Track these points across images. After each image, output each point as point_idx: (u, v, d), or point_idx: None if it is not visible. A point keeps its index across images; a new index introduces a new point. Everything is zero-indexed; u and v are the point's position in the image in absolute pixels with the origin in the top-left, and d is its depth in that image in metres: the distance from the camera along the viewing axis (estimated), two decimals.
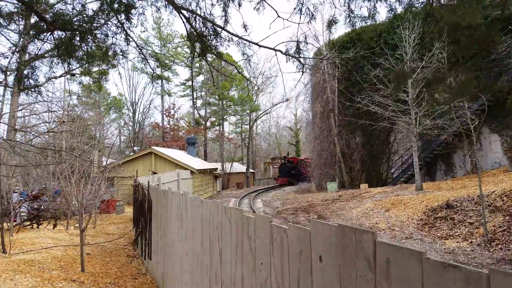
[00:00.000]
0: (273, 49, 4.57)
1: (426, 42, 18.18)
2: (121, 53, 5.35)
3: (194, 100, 52.42)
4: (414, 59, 18.08)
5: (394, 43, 22.25)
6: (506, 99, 18.52)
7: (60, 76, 17.46)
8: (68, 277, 6.89)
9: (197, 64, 45.83)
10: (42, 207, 14.06)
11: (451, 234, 10.21)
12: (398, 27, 19.76)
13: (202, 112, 52.71)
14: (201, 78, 51.94)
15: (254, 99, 50.62)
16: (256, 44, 4.82)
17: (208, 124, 52.10)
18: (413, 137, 18.16)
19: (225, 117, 52.67)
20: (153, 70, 6.07)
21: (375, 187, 22.52)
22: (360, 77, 25.59)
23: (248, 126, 53.76)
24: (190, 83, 53.37)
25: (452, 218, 11.09)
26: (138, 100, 54.72)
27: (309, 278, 2.30)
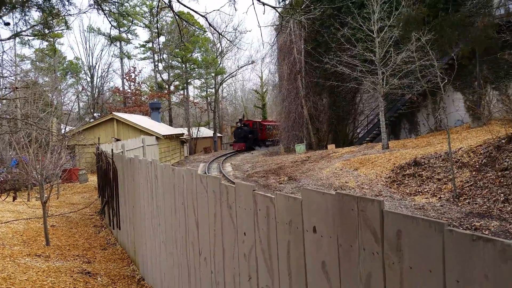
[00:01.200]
0: None
1: (393, 0, 17.99)
2: None
3: (157, 63, 50.56)
4: (382, 17, 17.87)
5: (361, 1, 21.90)
6: (470, 58, 18.85)
7: (9, 38, 16.10)
8: (32, 252, 6.49)
9: (158, 24, 43.81)
10: (0, 179, 13.28)
11: (419, 190, 10.45)
12: None
13: (165, 76, 51.10)
14: (162, 39, 49.90)
15: (219, 62, 49.43)
16: None
17: (172, 88, 50.69)
18: (380, 97, 18.27)
19: (189, 80, 51.31)
20: (110, 22, 5.47)
21: (342, 147, 22.82)
22: (327, 37, 25.26)
23: (213, 90, 52.77)
24: (150, 45, 51.18)
25: (420, 175, 11.33)
26: (96, 63, 52.32)
27: (300, 248, 2.08)
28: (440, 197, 9.70)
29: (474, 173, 10.16)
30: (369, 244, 1.67)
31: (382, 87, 17.87)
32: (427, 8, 19.07)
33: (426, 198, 9.90)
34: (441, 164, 11.41)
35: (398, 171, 12.27)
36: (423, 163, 11.98)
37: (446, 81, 10.23)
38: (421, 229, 1.45)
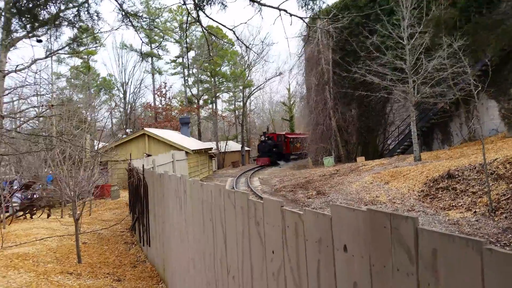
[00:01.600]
0: (277, 8, 4.15)
1: (423, 6, 17.62)
2: (95, 14, 4.83)
3: (186, 78, 51.53)
4: (412, 24, 17.51)
5: (390, 7, 21.61)
6: (504, 64, 18.19)
7: (46, 57, 16.82)
8: (64, 270, 6.61)
9: (188, 39, 44.74)
10: (35, 196, 13.70)
11: (454, 204, 10.04)
12: None
13: (194, 91, 51.95)
14: (192, 54, 50.93)
15: (247, 75, 49.87)
16: (257, 2, 4.37)
17: (201, 102, 51.44)
18: (411, 106, 17.85)
19: (218, 94, 51.99)
20: (140, 39, 5.60)
21: (372, 160, 22.37)
22: (356, 45, 24.99)
23: (241, 103, 53.17)
24: (180, 60, 52.30)
25: (454, 188, 10.91)
26: (128, 80, 53.62)
27: (331, 268, 2.00)
28: (475, 212, 9.28)
29: (511, 185, 9.68)
30: (403, 264, 1.58)
31: (413, 96, 17.45)
32: (459, 12, 18.58)
33: (460, 213, 9.49)
34: (476, 176, 10.95)
35: (431, 184, 11.87)
36: (457, 176, 11.54)
37: (479, 88, 9.88)
38: (458, 247, 1.36)
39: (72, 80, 44.92)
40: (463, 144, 20.08)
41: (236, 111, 55.62)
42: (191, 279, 4.51)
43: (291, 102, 58.52)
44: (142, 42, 5.86)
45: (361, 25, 24.70)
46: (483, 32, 12.08)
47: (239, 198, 3.05)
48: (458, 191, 10.73)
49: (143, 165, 8.23)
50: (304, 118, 34.04)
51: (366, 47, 22.22)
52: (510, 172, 10.27)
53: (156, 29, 47.19)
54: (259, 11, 5.04)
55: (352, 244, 1.85)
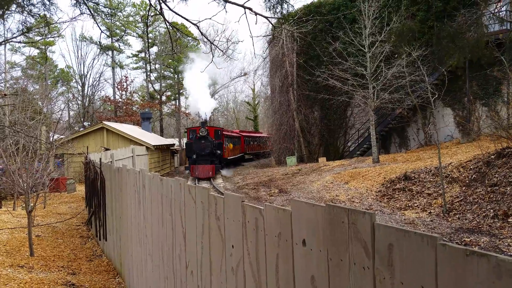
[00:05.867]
0: (242, 6, 4.13)
1: (384, 16, 18.25)
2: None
3: (149, 73, 50.49)
4: (373, 32, 18.09)
5: (353, 16, 22.19)
6: (460, 74, 19.13)
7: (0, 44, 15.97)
8: (15, 263, 6.31)
9: (151, 34, 43.86)
10: None
11: (410, 205, 10.45)
12: None
13: (157, 86, 50.98)
14: (155, 49, 49.96)
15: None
16: None
17: (164, 98, 50.55)
18: (371, 111, 18.40)
19: (181, 91, 51.28)
20: (98, 27, 5.41)
21: (333, 161, 22.85)
22: (319, 50, 25.54)
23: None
24: (143, 54, 51.19)
25: (410, 189, 11.35)
26: (87, 72, 51.93)
27: (289, 262, 2.02)
28: (430, 212, 9.70)
29: (464, 188, 10.20)
30: (360, 258, 1.61)
31: (372, 101, 18.00)
32: (419, 23, 19.38)
33: (416, 213, 9.90)
34: (431, 179, 11.45)
35: (389, 185, 12.29)
36: (413, 178, 12.01)
37: (436, 96, 10.33)
38: (413, 243, 1.40)
39: (28, 70, 42.96)
40: (420, 149, 20.92)
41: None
42: (148, 274, 4.43)
43: (256, 102, 58.72)
44: (101, 31, 5.67)
45: (325, 32, 25.39)
46: (445, 40, 12.67)
47: (199, 193, 3.02)
48: (414, 192, 11.17)
49: (100, 159, 7.99)
50: (268, 118, 34.23)
51: (329, 53, 22.80)
52: (463, 175, 10.81)
53: (117, 23, 46.04)
54: (224, 7, 5.02)
55: (311, 238, 1.87)
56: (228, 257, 2.60)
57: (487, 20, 13.79)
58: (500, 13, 17.25)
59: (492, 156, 10.90)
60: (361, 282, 1.60)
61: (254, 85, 58.90)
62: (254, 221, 2.30)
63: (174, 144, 32.16)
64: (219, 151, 23.65)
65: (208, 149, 22.79)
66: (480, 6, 13.01)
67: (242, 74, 49.72)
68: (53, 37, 41.17)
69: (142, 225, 4.57)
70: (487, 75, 18.48)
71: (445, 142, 19.79)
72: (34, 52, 45.79)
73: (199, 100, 26.84)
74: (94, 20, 5.16)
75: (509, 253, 6.93)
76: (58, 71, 49.90)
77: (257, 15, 4.15)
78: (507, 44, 13.42)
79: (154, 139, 27.63)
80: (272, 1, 4.49)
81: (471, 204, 9.46)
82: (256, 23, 4.27)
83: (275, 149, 28.67)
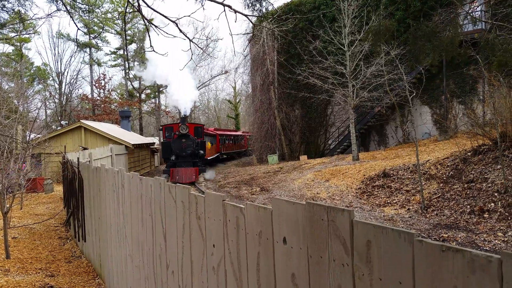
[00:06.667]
0: (222, 3, 4.11)
1: (364, 15, 18.47)
2: None
3: (127, 71, 49.73)
4: (353, 31, 18.28)
5: (332, 15, 22.39)
6: (437, 73, 19.54)
7: None
8: None
9: (130, 31, 43.23)
10: None
11: (389, 201, 10.63)
12: None
13: (136, 84, 50.29)
14: (134, 47, 49.26)
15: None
16: None
17: (143, 96, 49.91)
18: (351, 109, 18.61)
19: (161, 89, 50.73)
20: (74, 23, 5.30)
21: (314, 158, 23.03)
22: (300, 49, 25.69)
23: None
24: (122, 52, 50.43)
25: (389, 186, 11.54)
26: (65, 70, 50.67)
27: (270, 260, 2.02)
28: (408, 209, 9.89)
29: (441, 185, 10.43)
30: (339, 255, 1.63)
31: (352, 100, 18.21)
32: (397, 22, 19.68)
33: (395, 210, 10.08)
34: (410, 176, 11.67)
35: (368, 182, 12.46)
36: (392, 175, 12.22)
37: (414, 94, 10.51)
38: (391, 239, 1.43)
39: (2, 67, 41.78)
40: (398, 146, 21.28)
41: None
42: (129, 274, 4.38)
43: (237, 100, 58.62)
44: (78, 28, 5.55)
45: (305, 30, 25.57)
46: (421, 39, 12.94)
47: (180, 192, 3.00)
48: (393, 189, 11.37)
49: (78, 158, 7.85)
50: (249, 117, 34.21)
51: (309, 51, 22.96)
52: (441, 172, 11.06)
53: (95, 19, 45.24)
54: (202, 4, 4.98)
55: (291, 236, 1.88)
56: (209, 256, 2.59)
57: (462, 20, 14.12)
58: (475, 13, 17.69)
59: (469, 153, 11.18)
60: (341, 279, 1.62)
61: (235, 83, 58.83)
62: (235, 220, 2.30)
63: (154, 143, 31.82)
64: (201, 151, 20.85)
65: (189, 149, 19.77)
66: (456, 6, 13.32)
67: (223, 72, 49.57)
68: (28, 34, 40.18)
69: (122, 226, 4.51)
70: (464, 73, 18.93)
71: (423, 139, 20.19)
72: (9, 49, 44.60)
73: (178, 92, 22.83)
74: (71, 16, 5.05)
75: (485, 248, 7.12)
76: (34, 68, 48.72)
77: (237, 13, 4.14)
78: (482, 44, 13.77)
79: (134, 138, 27.29)
80: None
81: (449, 201, 9.69)
82: (235, 21, 4.27)
83: (256, 148, 28.71)
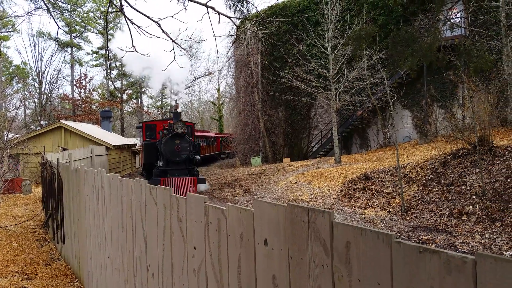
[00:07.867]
0: (205, 5, 4.10)
1: (346, 19, 18.69)
2: None
3: (109, 71, 49.14)
4: (336, 35, 18.47)
5: (316, 19, 22.58)
6: (418, 77, 19.88)
7: None
8: None
9: (111, 31, 42.71)
10: None
11: (370, 204, 10.75)
12: (320, 2, 20.03)
13: (118, 84, 49.68)
14: (115, 46, 48.62)
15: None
16: None
17: (125, 96, 49.35)
18: (333, 112, 18.77)
19: (143, 89, 50.26)
20: (54, 20, 5.20)
21: (297, 161, 23.13)
22: (283, 52, 25.83)
23: (168, 100, 52.00)
24: (103, 51, 49.77)
25: (370, 188, 11.68)
26: (45, 69, 49.69)
27: (251, 262, 2.02)
28: (389, 211, 10.03)
29: (421, 188, 10.62)
30: (319, 257, 1.64)
31: (335, 103, 18.38)
32: (379, 28, 19.98)
33: (376, 212, 10.20)
34: (390, 179, 11.83)
35: (350, 184, 12.59)
36: (373, 177, 12.37)
37: (395, 98, 10.67)
38: (370, 240, 1.44)
39: None
40: (379, 149, 21.56)
41: (163, 108, 54.27)
42: (108, 277, 4.32)
43: (221, 102, 58.47)
44: (59, 27, 5.45)
45: (289, 33, 25.76)
46: (400, 45, 13.18)
47: (161, 194, 2.97)
48: (374, 191, 11.51)
49: (57, 159, 7.71)
50: (233, 119, 34.12)
51: (293, 54, 23.13)
52: (421, 175, 11.25)
53: (77, 18, 44.55)
54: (184, 6, 4.97)
55: (272, 238, 1.88)
56: (190, 258, 2.57)
57: (441, 26, 14.43)
58: (455, 19, 18.08)
59: (448, 157, 11.41)
60: (321, 280, 1.63)
61: (219, 85, 58.63)
62: (217, 221, 2.29)
63: (135, 144, 31.45)
64: (198, 157, 16.45)
65: (185, 153, 15.22)
66: (435, 12, 13.61)
67: (207, 74, 49.44)
68: (7, 32, 39.30)
69: (101, 228, 4.44)
70: (444, 78, 19.31)
71: (403, 143, 20.50)
72: None
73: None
74: (51, 15, 4.96)
75: (463, 250, 7.27)
76: (13, 67, 47.65)
77: (220, 15, 4.13)
78: (462, 49, 14.09)
79: (115, 139, 26.94)
80: (233, 0, 4.51)
81: (428, 203, 9.86)
82: (219, 23, 4.25)
83: (239, 150, 28.67)
